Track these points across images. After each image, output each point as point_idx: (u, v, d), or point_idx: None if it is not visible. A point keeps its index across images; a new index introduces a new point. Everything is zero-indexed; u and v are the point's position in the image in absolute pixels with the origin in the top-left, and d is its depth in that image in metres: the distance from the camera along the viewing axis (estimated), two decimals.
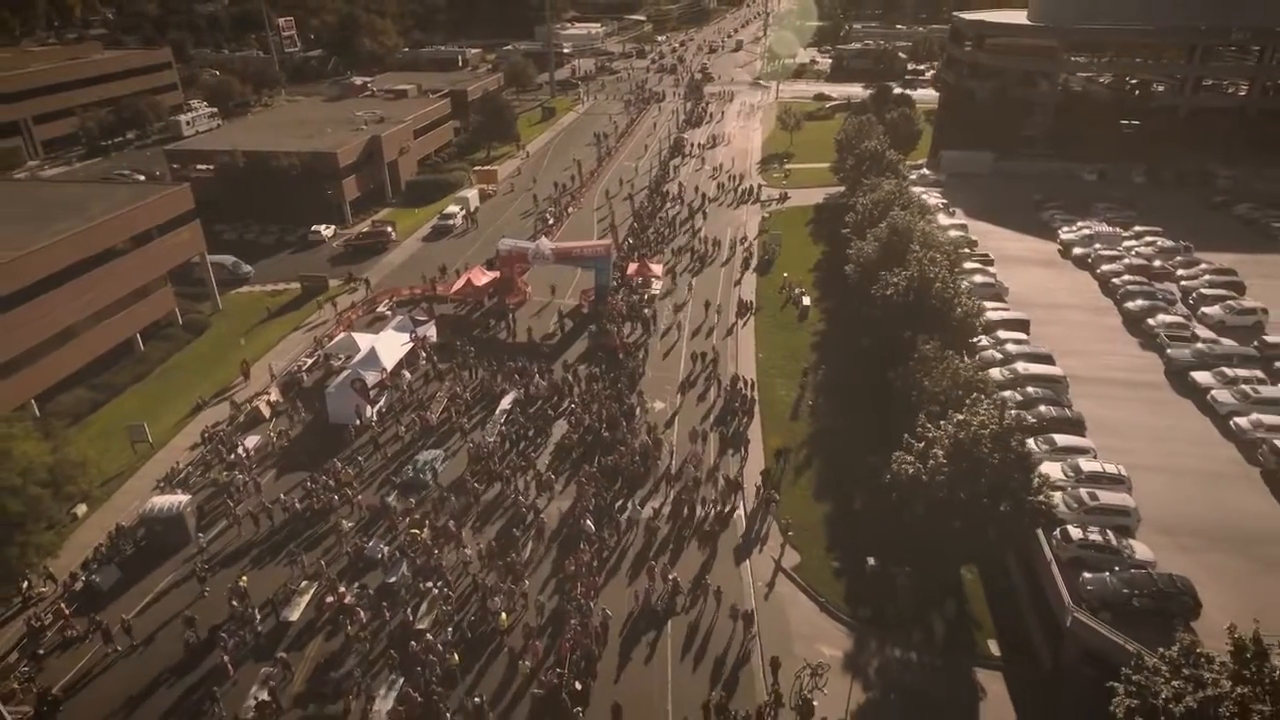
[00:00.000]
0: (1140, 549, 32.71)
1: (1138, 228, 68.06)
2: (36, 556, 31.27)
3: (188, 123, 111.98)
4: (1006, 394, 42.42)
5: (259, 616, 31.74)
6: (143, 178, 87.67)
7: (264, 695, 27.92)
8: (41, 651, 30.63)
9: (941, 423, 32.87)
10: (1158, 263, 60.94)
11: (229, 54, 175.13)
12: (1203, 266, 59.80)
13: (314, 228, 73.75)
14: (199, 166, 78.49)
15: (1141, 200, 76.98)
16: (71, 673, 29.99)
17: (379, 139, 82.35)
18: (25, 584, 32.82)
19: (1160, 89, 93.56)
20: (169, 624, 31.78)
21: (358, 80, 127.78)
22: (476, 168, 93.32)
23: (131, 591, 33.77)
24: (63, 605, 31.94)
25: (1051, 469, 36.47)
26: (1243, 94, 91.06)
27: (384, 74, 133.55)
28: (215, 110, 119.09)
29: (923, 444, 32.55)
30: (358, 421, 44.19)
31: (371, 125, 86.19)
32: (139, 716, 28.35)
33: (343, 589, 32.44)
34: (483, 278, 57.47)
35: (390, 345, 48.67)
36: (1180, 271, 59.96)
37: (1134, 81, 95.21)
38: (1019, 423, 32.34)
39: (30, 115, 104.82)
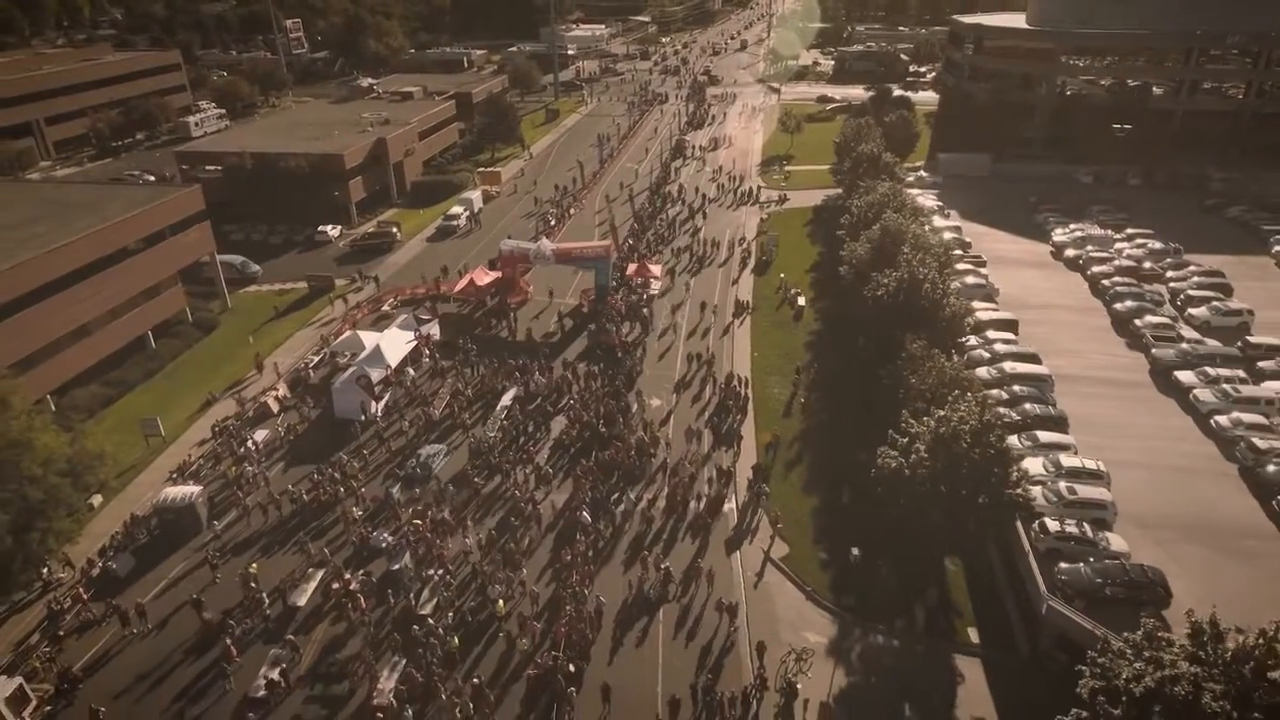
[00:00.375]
0: (1116, 541, 33.96)
1: (1129, 230, 69.14)
2: (56, 543, 32.78)
3: (196, 124, 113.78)
4: (994, 392, 43.71)
5: (267, 601, 33.16)
6: (153, 178, 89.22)
7: (273, 675, 29.30)
8: (61, 633, 32.07)
9: (925, 419, 34.12)
10: (1148, 264, 62.07)
11: (236, 55, 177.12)
12: (1192, 268, 60.89)
13: (320, 228, 75.20)
14: (208, 167, 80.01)
15: (1136, 203, 78.05)
16: (90, 653, 31.46)
17: (384, 141, 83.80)
18: (45, 569, 34.27)
19: (1160, 92, 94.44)
20: (182, 608, 33.19)
21: (364, 82, 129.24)
22: (480, 169, 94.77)
23: (146, 578, 35.24)
24: (81, 590, 33.39)
25: (1033, 464, 37.80)
26: (1239, 98, 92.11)
27: (390, 76, 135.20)
28: (223, 111, 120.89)
29: (906, 439, 33.81)
30: (363, 417, 45.56)
31: (377, 127, 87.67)
32: (154, 694, 29.79)
33: (348, 576, 33.80)
34: (485, 277, 58.80)
35: (394, 343, 50.07)
36: (1170, 273, 61.02)
37: (1135, 84, 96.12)
38: (998, 419, 33.50)
39: (42, 116, 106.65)
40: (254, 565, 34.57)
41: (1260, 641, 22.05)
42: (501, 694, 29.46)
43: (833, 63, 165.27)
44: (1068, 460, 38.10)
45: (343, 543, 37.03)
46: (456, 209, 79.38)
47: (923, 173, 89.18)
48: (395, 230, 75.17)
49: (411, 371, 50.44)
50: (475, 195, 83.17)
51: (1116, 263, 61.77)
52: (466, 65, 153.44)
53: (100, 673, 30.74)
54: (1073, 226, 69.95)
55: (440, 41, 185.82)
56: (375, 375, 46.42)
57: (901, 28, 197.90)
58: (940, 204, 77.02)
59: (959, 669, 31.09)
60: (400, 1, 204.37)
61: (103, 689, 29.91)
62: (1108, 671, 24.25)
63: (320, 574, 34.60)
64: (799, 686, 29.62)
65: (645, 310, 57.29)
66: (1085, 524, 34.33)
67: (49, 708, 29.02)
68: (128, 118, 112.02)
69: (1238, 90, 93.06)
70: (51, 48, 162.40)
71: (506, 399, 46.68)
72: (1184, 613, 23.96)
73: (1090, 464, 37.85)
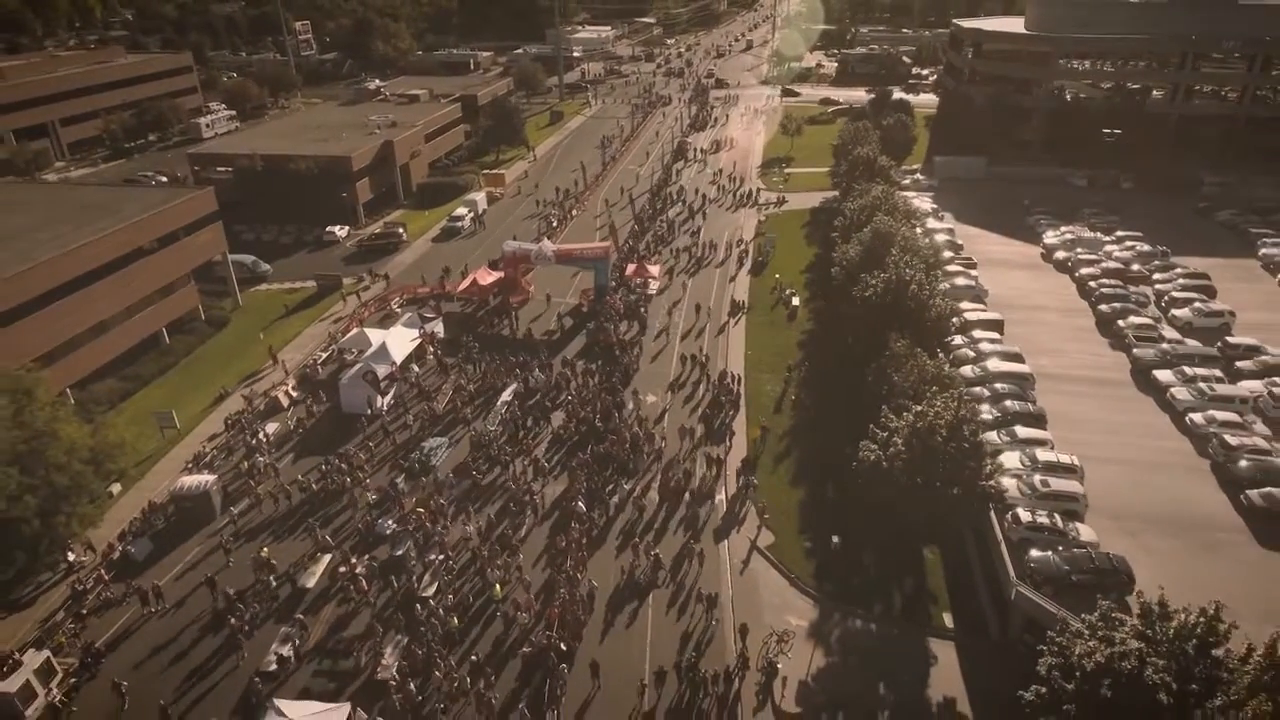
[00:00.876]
0: (1085, 531, 35.50)
1: (1119, 233, 70.48)
2: (79, 526, 34.81)
3: (207, 125, 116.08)
4: (976, 389, 45.35)
5: (274, 583, 35.11)
6: (165, 179, 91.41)
7: (284, 651, 31.21)
8: (84, 611, 34.04)
9: (904, 414, 35.73)
10: (1135, 266, 63.43)
11: (246, 56, 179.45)
12: (1177, 270, 62.26)
13: (329, 228, 77.13)
14: (219, 169, 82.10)
15: (1128, 206, 79.32)
16: (111, 630, 33.40)
17: (391, 143, 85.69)
18: (70, 553, 36.24)
19: (1159, 95, 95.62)
20: (197, 589, 35.16)
21: (371, 84, 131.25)
22: (485, 171, 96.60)
23: (163, 561, 37.21)
24: (102, 572, 35.39)
25: (1010, 458, 39.44)
26: (1235, 101, 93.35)
27: (398, 78, 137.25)
28: (234, 113, 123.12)
29: (885, 433, 35.44)
30: (369, 411, 47.38)
31: (384, 129, 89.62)
32: (171, 668, 31.73)
33: (354, 560, 35.64)
34: (488, 277, 60.67)
35: (400, 340, 51.87)
36: (1156, 275, 62.37)
37: (1135, 87, 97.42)
38: (973, 414, 35.09)
39: (57, 118, 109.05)
40: (265, 550, 36.44)
41: (1201, 620, 23.68)
42: (497, 670, 31.21)
43: (836, 65, 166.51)
44: (1043, 454, 39.65)
45: (350, 530, 38.90)
46: (461, 210, 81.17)
47: (919, 175, 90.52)
48: (401, 231, 77.09)
49: (416, 368, 52.22)
50: (480, 197, 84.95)
51: (1104, 265, 63.12)
52: (473, 67, 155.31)
53: (121, 648, 32.70)
54: (1063, 229, 71.35)
55: (447, 43, 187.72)
56: (381, 371, 48.23)
57: (905, 30, 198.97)
58: (935, 206, 78.50)
59: (932, 651, 32.70)
60: (408, 3, 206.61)
61: (123, 663, 31.88)
62: (1065, 650, 25.86)
63: (327, 558, 36.47)
64: (779, 666, 31.30)
65: (643, 310, 59.02)
66: (1057, 515, 35.87)
67: (74, 679, 30.96)
68: (140, 119, 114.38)
69: (1240, 95, 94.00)
70: (65, 49, 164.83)
71: (507, 394, 48.42)
72: (1133, 594, 25.53)
73: (1065, 458, 39.39)
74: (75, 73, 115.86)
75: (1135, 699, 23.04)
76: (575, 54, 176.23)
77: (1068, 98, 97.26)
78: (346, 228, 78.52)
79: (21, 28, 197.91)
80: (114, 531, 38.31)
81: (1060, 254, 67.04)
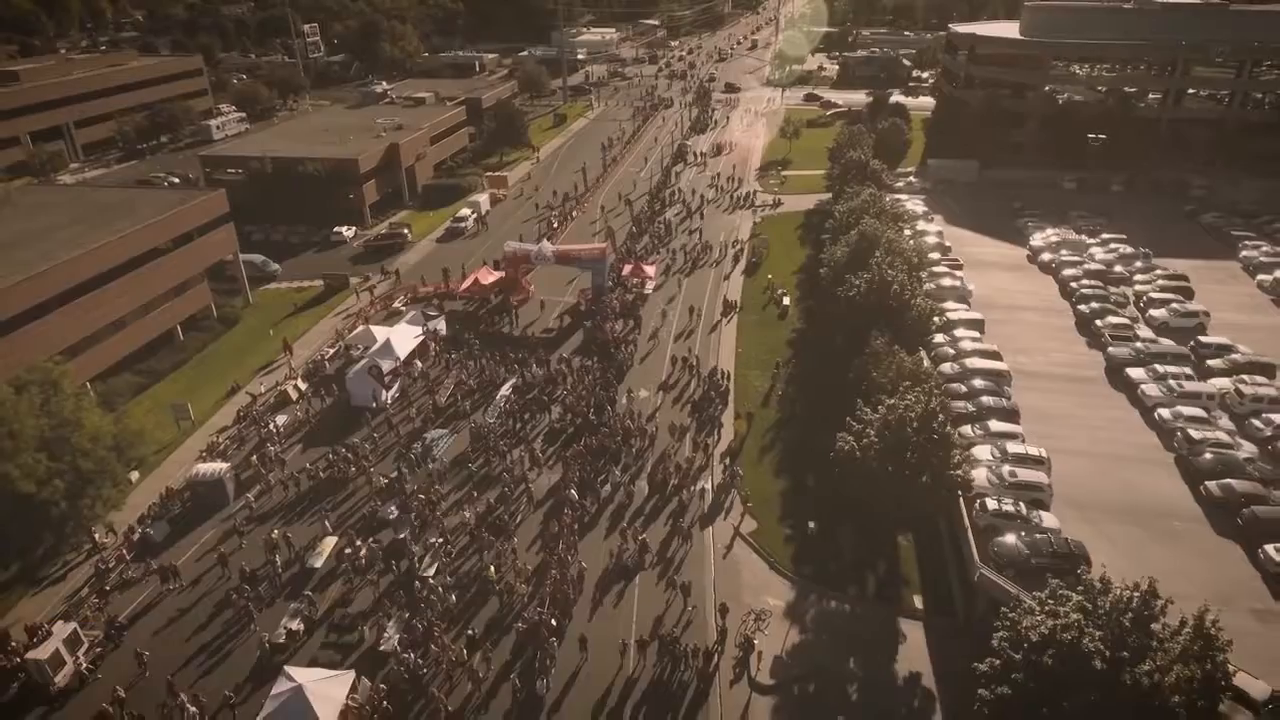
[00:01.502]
0: (1048, 519, 37.49)
1: (1104, 235, 72.26)
2: (103, 509, 37.11)
3: (217, 127, 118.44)
4: (954, 385, 47.35)
5: (280, 563, 37.35)
6: (178, 180, 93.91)
7: (293, 625, 33.47)
8: (107, 588, 36.40)
9: (879, 407, 37.78)
10: (1118, 268, 65.27)
11: (255, 59, 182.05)
12: (1158, 272, 64.07)
13: (336, 229, 79.33)
14: (229, 170, 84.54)
15: (1116, 208, 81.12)
16: (132, 606, 35.76)
17: (397, 146, 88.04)
18: (96, 533, 38.62)
19: (1155, 97, 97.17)
20: (212, 569, 37.51)
21: (378, 87, 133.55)
22: (488, 173, 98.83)
23: (180, 543, 39.56)
24: (124, 552, 37.78)
25: (982, 451, 41.46)
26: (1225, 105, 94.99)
27: (404, 80, 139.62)
28: (243, 115, 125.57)
29: (861, 426, 37.51)
30: (374, 404, 49.61)
31: (391, 132, 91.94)
32: (189, 641, 34.03)
33: (359, 543, 37.87)
34: (489, 277, 62.92)
35: (404, 337, 54.08)
36: (1137, 276, 64.18)
37: (1131, 90, 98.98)
38: (943, 408, 37.10)
39: (72, 120, 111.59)
40: (275, 532, 38.72)
41: (1136, 594, 25.72)
42: (492, 644, 33.40)
43: (837, 68, 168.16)
44: (1013, 447, 41.60)
45: (356, 515, 41.13)
46: (465, 211, 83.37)
47: (913, 179, 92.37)
48: (406, 231, 79.34)
49: (419, 363, 54.43)
50: (483, 198, 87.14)
51: (1086, 266, 64.91)
52: (478, 69, 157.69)
53: (142, 621, 35.06)
54: (1050, 231, 73.13)
55: (453, 45, 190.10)
56: (386, 366, 50.45)
57: (907, 32, 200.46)
58: (926, 209, 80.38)
59: (902, 630, 34.79)
60: (414, 5, 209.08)
61: (144, 635, 34.24)
62: (1016, 624, 27.91)
63: (334, 540, 38.73)
64: (756, 642, 33.38)
65: (639, 308, 61.12)
66: (1022, 503, 37.83)
67: (99, 649, 33.30)
68: (153, 121, 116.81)
69: (1234, 101, 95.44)
70: (78, 52, 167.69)
71: (506, 389, 50.60)
72: (1079, 571, 27.54)
73: (1034, 451, 41.34)
74: (89, 76, 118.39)
75: (1074, 666, 25.07)
76: (579, 56, 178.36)
77: (1059, 101, 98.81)
78: (353, 228, 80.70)
79: (34, 29, 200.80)
80: (134, 515, 40.66)
81: (1045, 255, 68.86)
